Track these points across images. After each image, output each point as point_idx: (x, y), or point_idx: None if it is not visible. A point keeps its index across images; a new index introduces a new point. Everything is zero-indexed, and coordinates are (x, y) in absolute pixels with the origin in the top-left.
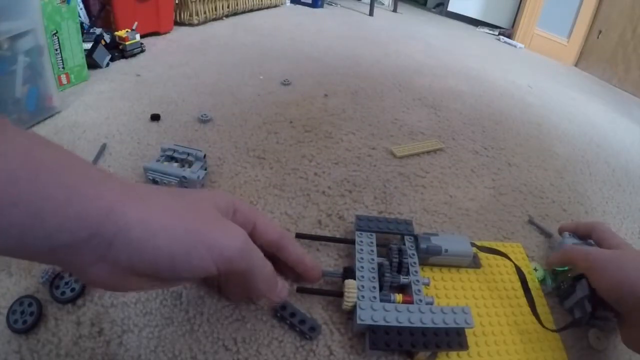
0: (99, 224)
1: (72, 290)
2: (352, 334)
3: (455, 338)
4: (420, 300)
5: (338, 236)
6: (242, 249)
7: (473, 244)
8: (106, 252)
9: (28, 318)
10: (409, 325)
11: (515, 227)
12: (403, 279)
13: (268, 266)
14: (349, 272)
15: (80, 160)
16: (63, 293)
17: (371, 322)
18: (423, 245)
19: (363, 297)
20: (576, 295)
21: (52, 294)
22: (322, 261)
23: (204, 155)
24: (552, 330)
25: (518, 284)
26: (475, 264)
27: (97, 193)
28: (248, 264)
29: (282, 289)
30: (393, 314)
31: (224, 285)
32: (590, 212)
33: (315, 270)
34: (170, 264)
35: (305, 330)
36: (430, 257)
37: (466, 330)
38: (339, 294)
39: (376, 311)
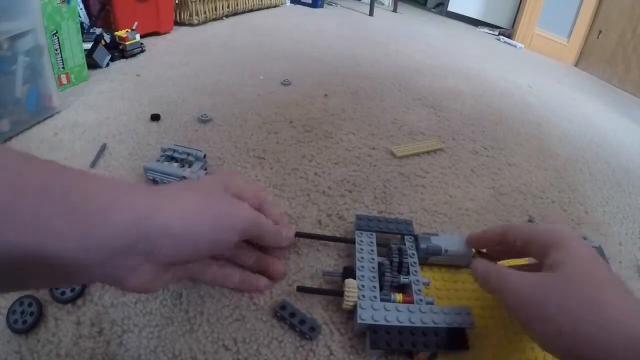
0: (145, 227)
1: (72, 290)
2: (352, 334)
3: (456, 338)
4: (421, 300)
5: (338, 236)
6: (253, 216)
7: None
8: (152, 252)
9: (28, 318)
10: (409, 325)
11: None
12: (403, 279)
13: (270, 222)
14: (348, 272)
15: (100, 176)
16: (63, 293)
17: (372, 322)
18: (423, 245)
19: (363, 296)
20: None
21: (52, 294)
22: (322, 261)
23: (204, 155)
24: None
25: None
26: None
27: (132, 200)
28: (259, 226)
29: (287, 233)
30: (394, 313)
31: (237, 256)
32: (590, 212)
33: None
34: (208, 244)
35: (305, 330)
36: (430, 257)
37: (467, 330)
38: (339, 294)
39: (377, 311)
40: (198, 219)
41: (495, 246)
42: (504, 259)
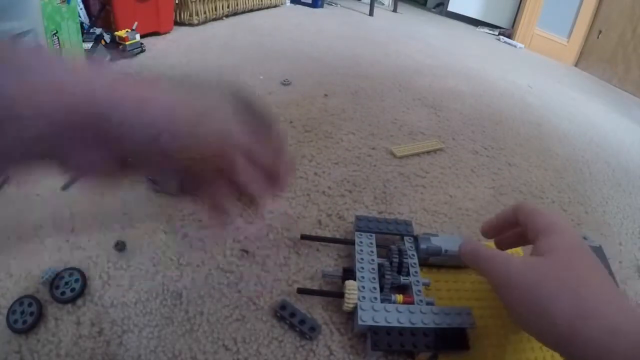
0: (109, 105)
1: (72, 290)
2: (352, 334)
3: (456, 339)
4: (421, 301)
5: (338, 236)
6: (249, 141)
7: None
8: (109, 138)
9: (28, 318)
10: (410, 325)
11: None
12: (403, 280)
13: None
14: (348, 273)
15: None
16: (63, 293)
17: (372, 323)
18: (423, 246)
19: (364, 297)
20: None
21: (52, 294)
22: (322, 261)
23: None
24: None
25: None
26: None
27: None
28: (254, 152)
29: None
30: (394, 314)
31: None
32: (590, 212)
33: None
34: (179, 149)
35: (305, 330)
36: (430, 257)
37: (467, 330)
38: (340, 295)
39: (377, 312)
40: (176, 115)
41: (508, 227)
42: (513, 247)
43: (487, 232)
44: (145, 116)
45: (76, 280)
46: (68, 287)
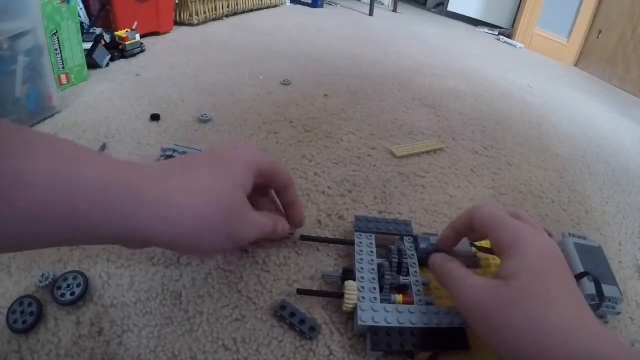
0: (143, 236)
1: (72, 294)
2: (352, 334)
3: (456, 338)
4: (421, 301)
5: (338, 236)
6: (253, 237)
7: (472, 244)
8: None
9: (28, 318)
10: (410, 325)
11: None
12: (403, 280)
13: (269, 225)
14: (348, 273)
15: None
16: (63, 295)
17: (372, 324)
18: (423, 246)
19: (364, 298)
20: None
21: (52, 295)
22: (322, 261)
23: None
24: None
25: None
26: (475, 264)
27: (132, 212)
28: (260, 238)
29: (283, 228)
30: (394, 314)
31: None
32: (590, 212)
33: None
34: (200, 254)
35: (305, 330)
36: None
37: (467, 330)
38: (340, 296)
39: (377, 312)
40: (197, 237)
41: (468, 235)
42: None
43: (445, 247)
44: (180, 239)
45: (78, 285)
46: (69, 290)
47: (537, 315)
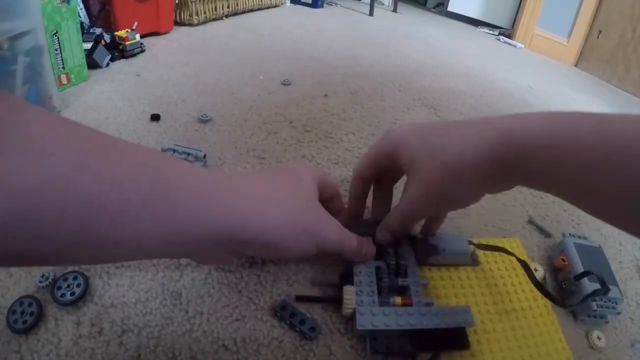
0: (240, 230)
1: (72, 294)
2: (352, 334)
3: (456, 338)
4: (420, 302)
5: None
6: (338, 240)
7: (470, 242)
8: (238, 248)
9: (28, 318)
10: (409, 327)
11: (515, 227)
12: (401, 282)
13: (354, 240)
14: (345, 278)
15: (197, 172)
16: (63, 295)
17: (371, 327)
18: (420, 246)
19: (362, 302)
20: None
21: (52, 295)
22: (322, 261)
23: (204, 155)
24: (567, 307)
25: (517, 279)
26: (473, 261)
27: (232, 203)
28: (341, 247)
29: (367, 250)
30: (393, 317)
31: None
32: None
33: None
34: (287, 252)
35: (305, 330)
36: (428, 257)
37: (467, 329)
38: (338, 301)
39: (375, 316)
40: (287, 231)
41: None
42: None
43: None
44: (261, 237)
45: (78, 285)
46: (69, 290)
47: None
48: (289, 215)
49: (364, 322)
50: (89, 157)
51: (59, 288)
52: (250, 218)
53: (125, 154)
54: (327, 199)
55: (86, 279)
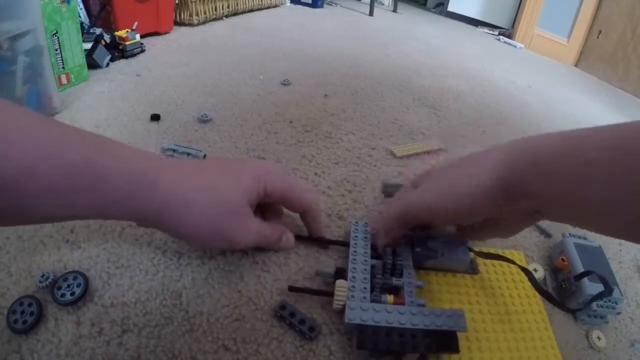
0: (156, 224)
1: (72, 294)
2: (349, 334)
3: (446, 341)
4: (412, 302)
5: (337, 236)
6: (251, 243)
7: (471, 249)
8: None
9: (28, 318)
10: (398, 326)
11: None
12: (395, 281)
13: (273, 237)
14: (340, 273)
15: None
16: (63, 295)
17: (359, 322)
18: (418, 248)
19: (353, 296)
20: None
21: (52, 295)
22: (322, 261)
23: (204, 155)
24: (573, 310)
25: (515, 291)
26: (472, 269)
27: (152, 197)
28: (257, 245)
29: (287, 239)
30: (382, 314)
31: None
32: None
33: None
34: (202, 247)
35: (305, 330)
36: (425, 260)
37: (459, 334)
38: (330, 294)
39: (365, 311)
40: (199, 233)
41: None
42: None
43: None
44: (182, 230)
45: (78, 285)
46: (69, 290)
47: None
48: (205, 220)
49: (353, 316)
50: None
51: (59, 288)
52: (165, 214)
53: (64, 133)
54: (299, 212)
55: (86, 279)
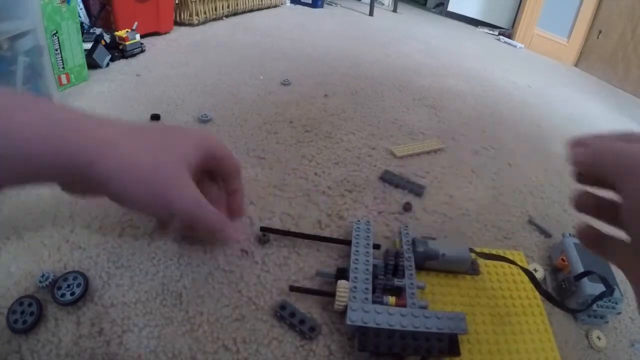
0: (94, 175)
1: (72, 294)
2: (349, 335)
3: (447, 344)
4: (414, 304)
5: (337, 236)
6: (190, 209)
7: (472, 250)
8: (90, 186)
9: (28, 318)
10: (400, 328)
11: (515, 227)
12: (397, 282)
13: (213, 216)
14: (342, 273)
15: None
16: (63, 295)
17: (361, 324)
18: (420, 249)
19: (355, 298)
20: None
21: (52, 294)
22: (322, 261)
23: None
24: (574, 310)
25: (516, 292)
26: (473, 270)
27: (89, 146)
28: (195, 219)
29: (230, 233)
30: (384, 316)
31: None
32: None
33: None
34: (140, 211)
35: (305, 330)
36: (427, 261)
37: (460, 336)
38: (332, 295)
39: (367, 313)
40: (136, 193)
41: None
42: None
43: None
44: (114, 183)
45: (78, 285)
46: (69, 290)
47: None
48: (142, 183)
49: (355, 317)
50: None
51: (59, 288)
52: (95, 162)
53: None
54: (225, 175)
55: (86, 279)
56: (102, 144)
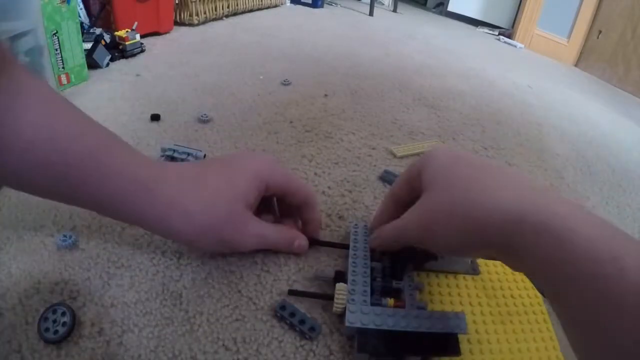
0: (165, 233)
1: (55, 333)
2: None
3: (446, 344)
4: (413, 305)
5: (337, 236)
6: (254, 246)
7: None
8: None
9: (60, 328)
10: (399, 329)
11: None
12: (395, 284)
13: (281, 240)
14: (340, 276)
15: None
16: (56, 332)
17: (360, 325)
18: (418, 251)
19: (353, 300)
20: None
21: (39, 332)
22: (322, 262)
23: (204, 156)
24: None
25: (517, 291)
26: (473, 270)
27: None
28: (263, 247)
29: (300, 244)
30: (383, 317)
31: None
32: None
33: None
34: (201, 248)
35: (305, 330)
36: (425, 262)
37: (460, 336)
38: (330, 297)
39: (366, 314)
40: (202, 240)
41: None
42: None
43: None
44: (179, 238)
45: (63, 324)
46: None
47: (465, 185)
48: (206, 229)
49: (354, 319)
50: (81, 127)
51: (46, 319)
52: (159, 224)
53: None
54: (296, 205)
55: (73, 313)
56: (166, 206)
